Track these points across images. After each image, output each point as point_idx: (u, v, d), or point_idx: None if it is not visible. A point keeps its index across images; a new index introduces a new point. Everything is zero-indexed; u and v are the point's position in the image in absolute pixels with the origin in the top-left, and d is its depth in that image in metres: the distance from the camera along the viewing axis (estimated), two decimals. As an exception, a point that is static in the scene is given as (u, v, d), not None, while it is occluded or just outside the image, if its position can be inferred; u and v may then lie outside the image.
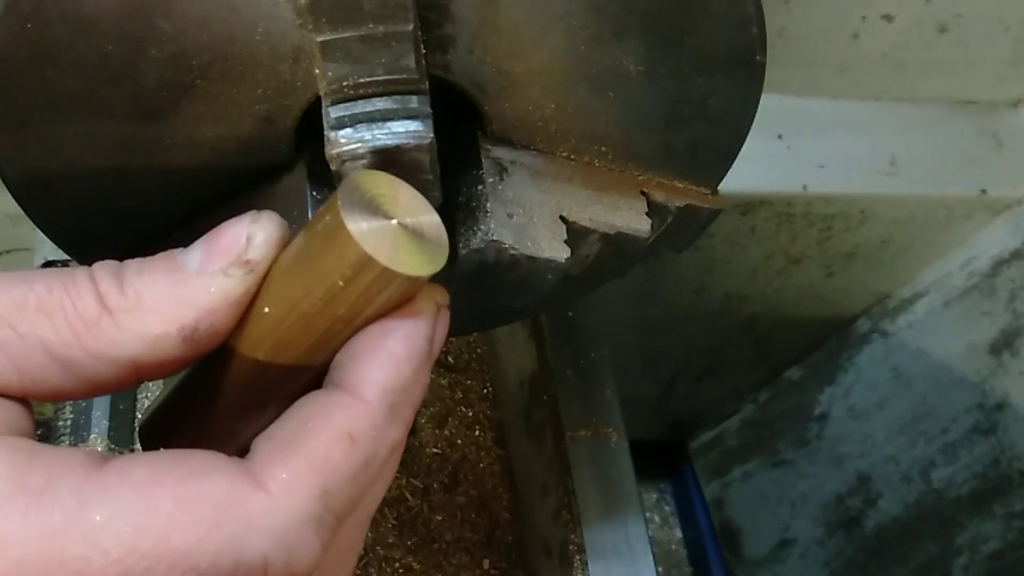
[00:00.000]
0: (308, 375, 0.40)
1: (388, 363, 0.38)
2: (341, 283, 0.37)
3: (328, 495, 0.36)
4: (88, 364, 0.37)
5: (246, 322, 0.39)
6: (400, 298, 0.38)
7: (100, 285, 0.37)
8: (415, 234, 0.38)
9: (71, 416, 0.71)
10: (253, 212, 0.39)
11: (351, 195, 0.37)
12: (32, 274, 0.38)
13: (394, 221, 0.37)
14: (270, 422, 0.38)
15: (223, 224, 0.39)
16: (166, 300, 0.37)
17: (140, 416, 0.68)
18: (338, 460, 0.36)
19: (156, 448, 0.43)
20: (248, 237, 0.38)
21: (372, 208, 0.37)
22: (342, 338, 0.38)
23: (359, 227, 0.36)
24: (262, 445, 0.37)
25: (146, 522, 0.33)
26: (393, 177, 0.39)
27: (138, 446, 0.68)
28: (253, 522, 0.34)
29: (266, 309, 0.38)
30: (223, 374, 0.40)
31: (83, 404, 0.71)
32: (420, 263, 0.37)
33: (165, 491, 0.34)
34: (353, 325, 0.38)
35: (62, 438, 0.71)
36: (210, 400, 0.41)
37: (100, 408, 0.71)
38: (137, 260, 0.39)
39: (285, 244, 0.39)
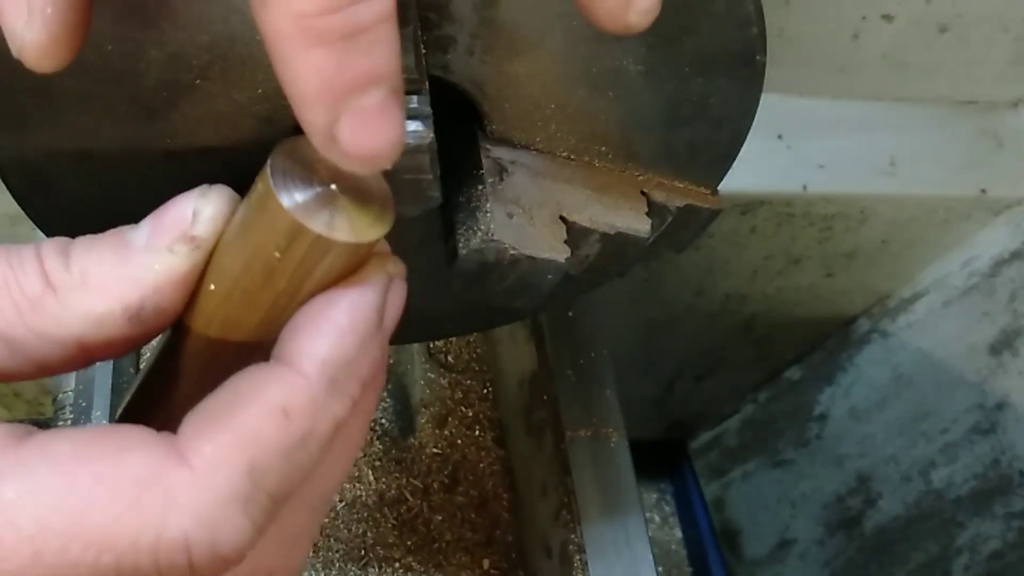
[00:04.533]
0: (264, 352, 0.38)
1: (329, 334, 0.35)
2: (277, 255, 0.35)
3: (257, 472, 0.33)
4: (33, 343, 0.36)
5: (196, 300, 0.37)
6: (344, 267, 0.36)
7: (46, 262, 0.36)
8: (357, 198, 0.35)
9: (71, 417, 0.71)
10: (203, 186, 0.37)
11: (283, 162, 0.35)
12: None
13: (332, 186, 0.35)
14: None
15: (172, 199, 0.37)
16: (110, 278, 0.36)
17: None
18: (269, 435, 0.34)
19: None
20: (194, 212, 0.36)
21: (307, 174, 0.35)
22: (288, 313, 0.36)
23: (290, 194, 0.34)
24: (190, 419, 0.34)
25: (62, 499, 0.32)
26: None
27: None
28: (174, 499, 0.32)
29: (212, 286, 0.37)
30: (181, 354, 0.38)
31: (83, 403, 0.71)
32: (361, 228, 0.35)
33: (84, 467, 0.32)
34: (297, 299, 0.36)
35: (62, 438, 0.71)
36: (173, 382, 0.39)
37: (100, 408, 0.71)
38: (87, 237, 0.37)
39: None
